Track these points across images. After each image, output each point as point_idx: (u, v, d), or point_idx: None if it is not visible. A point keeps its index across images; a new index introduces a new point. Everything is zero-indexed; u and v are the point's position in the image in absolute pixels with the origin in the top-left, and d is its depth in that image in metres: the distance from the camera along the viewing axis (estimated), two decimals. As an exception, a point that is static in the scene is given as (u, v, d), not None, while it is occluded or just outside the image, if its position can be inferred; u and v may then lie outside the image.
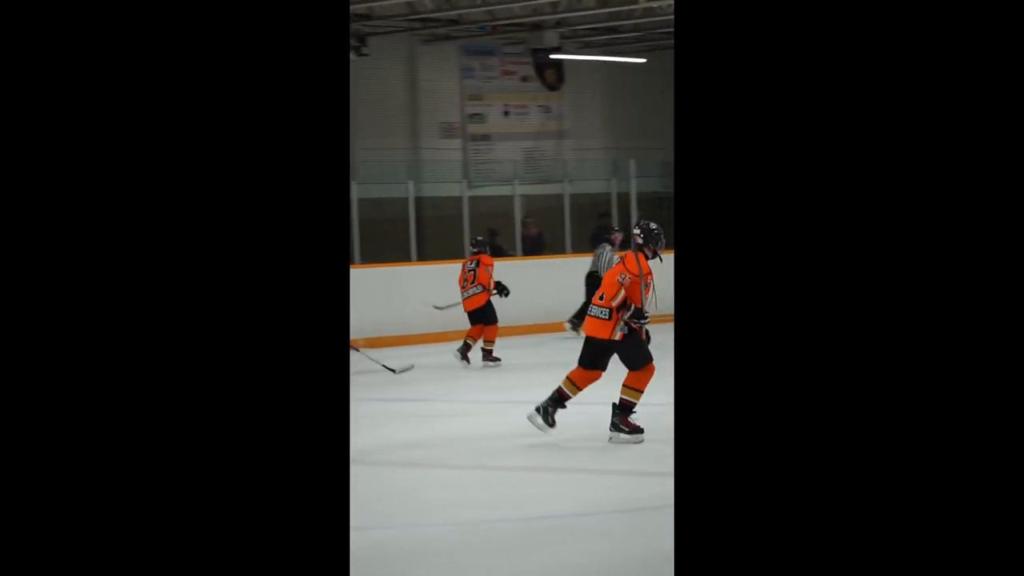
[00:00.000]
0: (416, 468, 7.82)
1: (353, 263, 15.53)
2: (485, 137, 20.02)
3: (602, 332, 8.06)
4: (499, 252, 16.76)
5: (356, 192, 16.15)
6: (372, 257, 16.29)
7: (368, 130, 17.90)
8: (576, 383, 8.15)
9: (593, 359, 8.16)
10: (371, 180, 16.91)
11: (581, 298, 15.20)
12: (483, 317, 12.78)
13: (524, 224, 17.86)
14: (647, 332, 8.08)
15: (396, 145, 18.78)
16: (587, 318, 8.26)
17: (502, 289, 12.86)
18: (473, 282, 12.84)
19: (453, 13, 17.81)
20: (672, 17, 18.78)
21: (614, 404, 8.10)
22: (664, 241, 8.15)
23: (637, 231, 8.28)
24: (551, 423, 8.12)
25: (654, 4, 17.41)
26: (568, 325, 15.39)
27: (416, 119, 19.35)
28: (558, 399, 8.14)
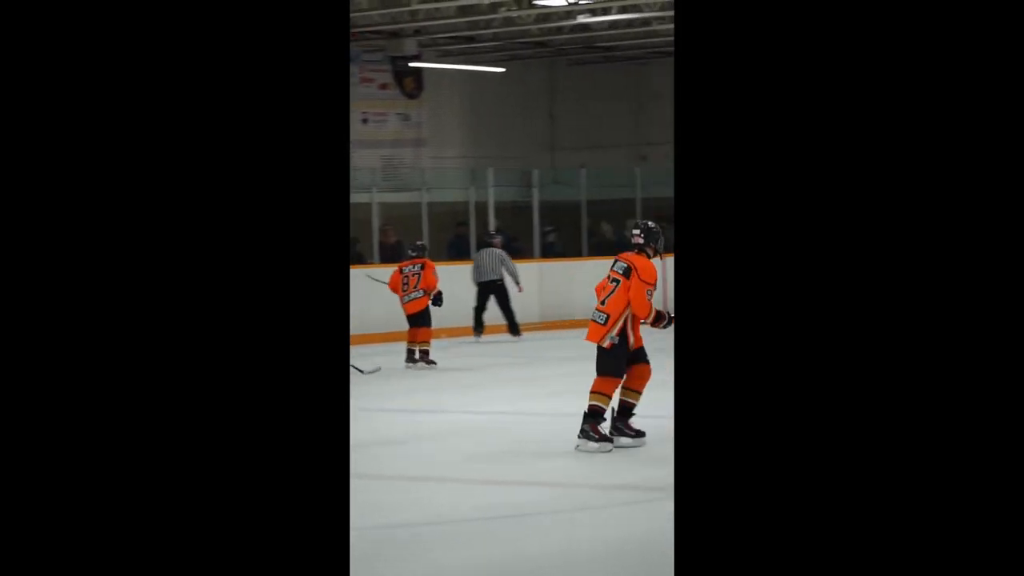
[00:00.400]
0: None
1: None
2: (343, 144, 19.89)
3: (595, 337, 7.89)
4: (360, 260, 16.73)
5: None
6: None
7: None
8: (604, 391, 7.91)
9: (608, 365, 7.94)
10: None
11: (467, 305, 15.49)
12: (423, 320, 13.08)
13: (382, 232, 17.82)
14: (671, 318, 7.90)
15: (253, 151, 18.53)
16: (590, 324, 7.97)
17: (439, 298, 13.15)
18: (416, 286, 13.10)
19: (312, 19, 17.66)
20: (532, 27, 18.93)
21: (613, 408, 7.97)
22: (664, 239, 8.05)
23: (636, 231, 8.07)
24: (609, 438, 7.92)
25: (513, 14, 17.51)
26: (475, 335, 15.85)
27: (273, 125, 19.13)
28: (601, 415, 7.90)
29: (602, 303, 7.89)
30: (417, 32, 18.76)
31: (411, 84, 20.63)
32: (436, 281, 13.15)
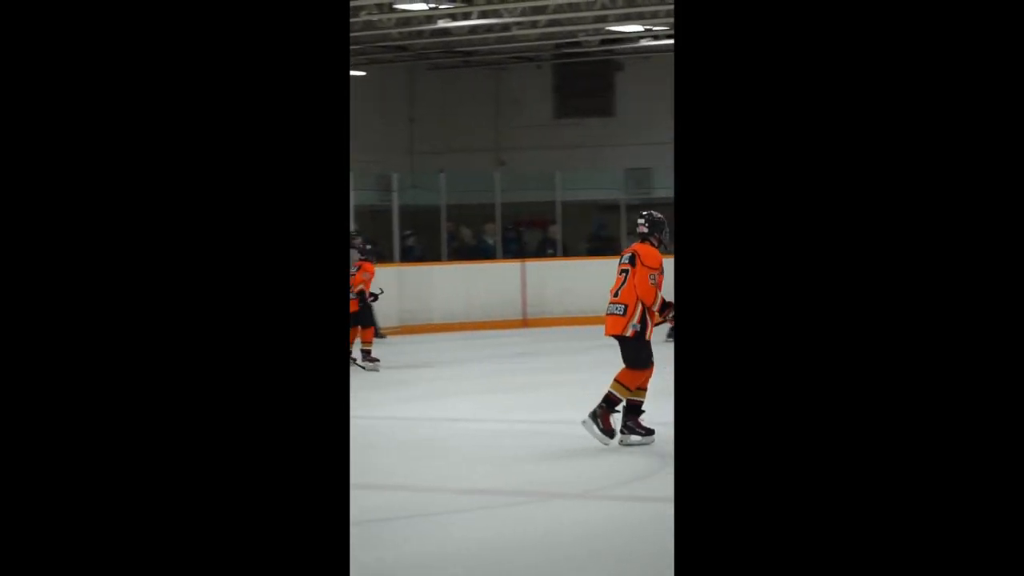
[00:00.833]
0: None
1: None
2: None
3: (617, 328, 7.88)
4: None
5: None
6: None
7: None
8: (627, 384, 7.90)
9: (635, 356, 7.92)
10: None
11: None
12: (357, 320, 13.21)
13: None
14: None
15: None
16: (607, 317, 7.98)
17: (363, 296, 13.28)
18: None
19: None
20: (392, 31, 18.89)
21: (623, 406, 7.93)
22: (668, 230, 8.00)
23: (641, 221, 8.11)
24: (612, 434, 7.89)
25: (374, 18, 17.47)
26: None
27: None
28: (616, 405, 7.92)
29: (615, 295, 7.93)
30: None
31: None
32: (362, 282, 13.27)
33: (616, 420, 7.90)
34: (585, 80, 22.40)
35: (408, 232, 19.12)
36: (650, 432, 7.92)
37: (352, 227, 17.79)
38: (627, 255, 7.99)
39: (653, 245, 8.00)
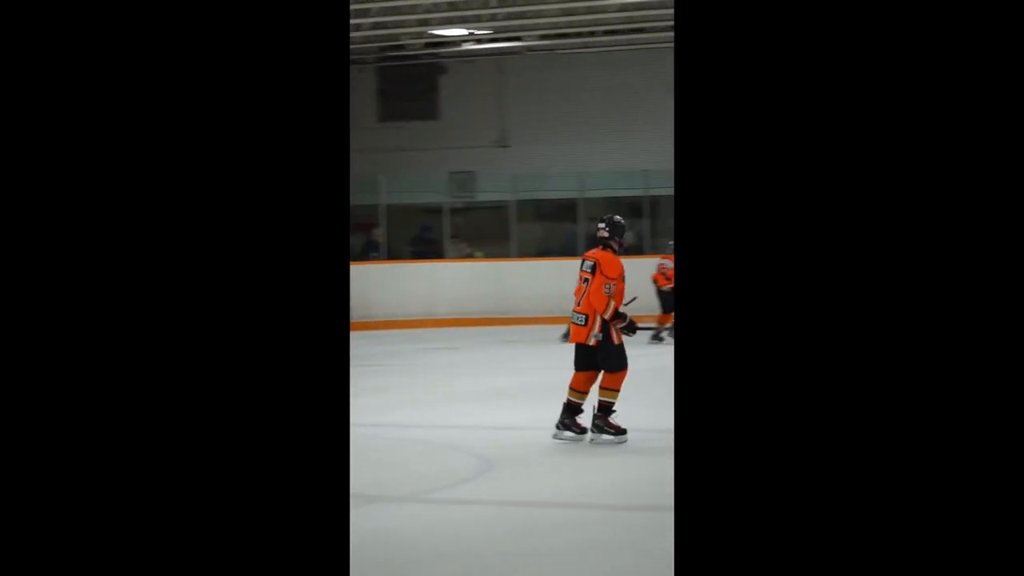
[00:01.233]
0: None
1: None
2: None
3: (580, 337, 7.93)
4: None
5: None
6: None
7: None
8: (579, 388, 7.99)
9: (585, 361, 7.99)
10: None
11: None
12: None
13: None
14: (632, 324, 7.97)
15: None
16: (570, 325, 8.05)
17: None
18: None
19: None
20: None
21: (594, 406, 7.94)
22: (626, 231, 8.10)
23: (602, 225, 8.05)
24: (579, 431, 7.96)
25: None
26: None
27: None
28: (572, 410, 7.98)
29: (578, 304, 7.95)
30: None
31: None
32: None
33: (614, 419, 7.94)
34: (409, 83, 22.38)
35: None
36: (621, 431, 7.92)
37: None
38: (589, 263, 7.96)
39: (614, 250, 7.99)
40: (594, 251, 8.05)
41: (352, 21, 18.57)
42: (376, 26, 19.27)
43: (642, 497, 6.54)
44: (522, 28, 19.75)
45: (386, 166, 20.60)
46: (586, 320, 7.88)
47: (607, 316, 7.82)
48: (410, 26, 19.34)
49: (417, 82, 22.38)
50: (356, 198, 19.96)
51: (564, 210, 20.27)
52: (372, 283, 18.97)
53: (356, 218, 20.21)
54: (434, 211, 20.45)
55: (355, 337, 17.43)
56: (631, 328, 7.95)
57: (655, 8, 18.25)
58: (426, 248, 20.13)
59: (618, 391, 7.91)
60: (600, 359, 7.92)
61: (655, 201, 19.93)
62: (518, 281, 19.52)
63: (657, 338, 15.07)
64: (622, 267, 7.96)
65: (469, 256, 20.48)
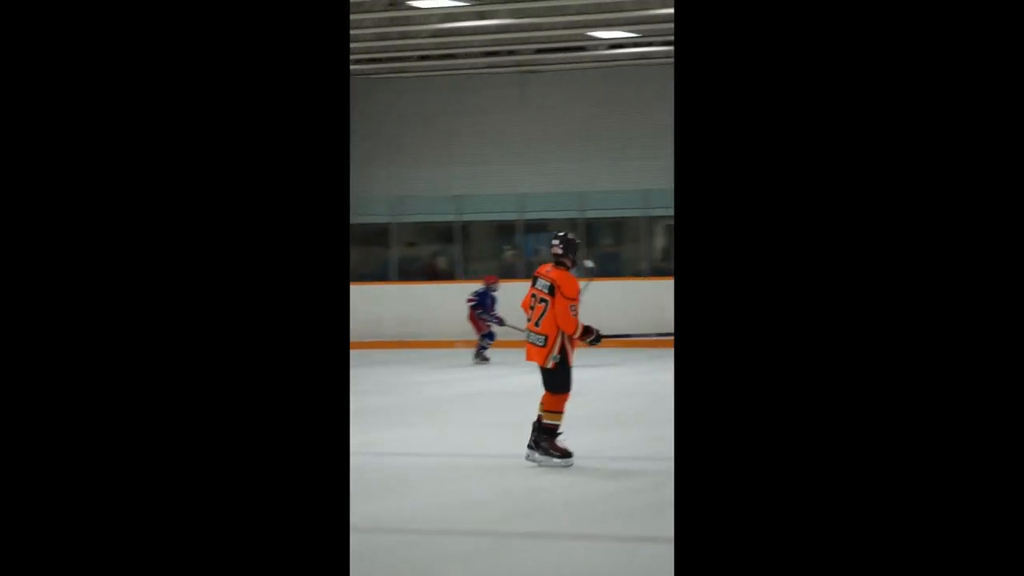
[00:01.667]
0: None
1: None
2: None
3: (539, 359, 7.78)
4: None
5: None
6: None
7: None
8: (557, 408, 7.84)
9: (556, 382, 7.84)
10: None
11: None
12: None
13: None
14: (599, 336, 7.91)
15: None
16: (527, 346, 7.86)
17: None
18: None
19: None
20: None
21: (533, 424, 7.84)
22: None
23: (556, 242, 7.91)
24: (569, 452, 7.80)
25: None
26: None
27: None
28: (556, 431, 7.81)
29: (536, 324, 7.80)
30: None
31: None
32: None
33: (562, 441, 7.86)
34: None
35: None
36: (567, 454, 7.83)
37: None
38: (544, 283, 7.82)
39: (568, 267, 7.90)
40: (547, 269, 7.92)
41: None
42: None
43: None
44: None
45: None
46: (545, 341, 7.77)
47: (577, 336, 7.78)
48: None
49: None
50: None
51: (378, 235, 20.23)
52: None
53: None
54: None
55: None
56: (598, 339, 7.94)
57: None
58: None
59: (561, 413, 7.85)
60: (546, 379, 7.86)
61: (467, 226, 20.04)
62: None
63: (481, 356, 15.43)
64: (579, 287, 7.92)
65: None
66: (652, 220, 19.28)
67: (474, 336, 15.88)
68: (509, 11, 17.05)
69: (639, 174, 19.20)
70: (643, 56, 19.10)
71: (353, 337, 19.35)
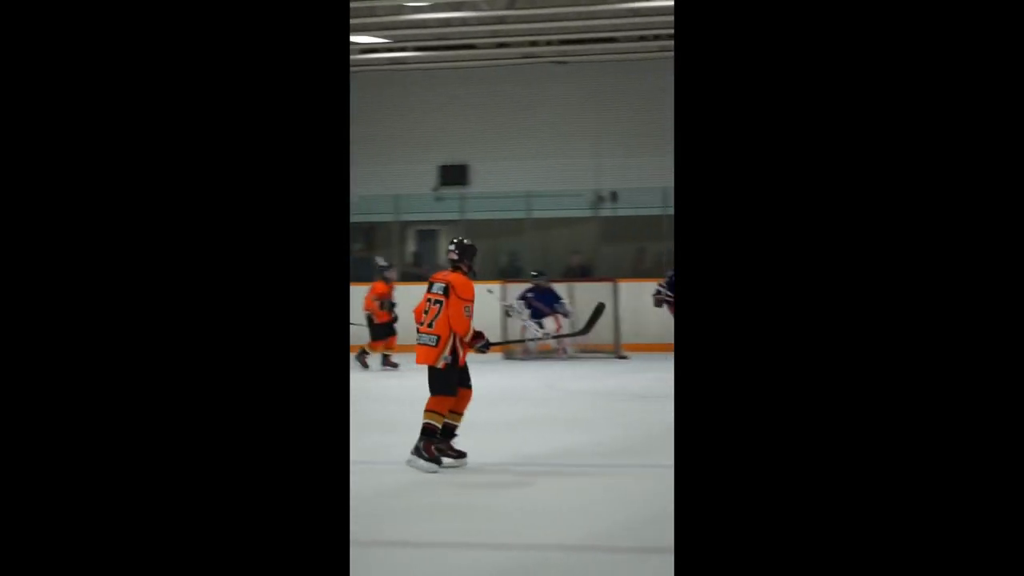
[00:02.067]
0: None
1: None
2: None
3: (430, 359, 7.78)
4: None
5: None
6: None
7: None
8: (439, 410, 7.81)
9: (442, 384, 7.84)
10: None
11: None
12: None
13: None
14: (487, 343, 7.94)
15: None
16: (417, 347, 7.86)
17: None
18: None
19: None
20: None
21: (431, 428, 7.82)
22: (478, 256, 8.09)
23: (452, 248, 7.99)
24: (438, 460, 7.77)
25: None
26: None
27: None
28: (435, 433, 7.77)
29: (428, 325, 7.82)
30: None
31: None
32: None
33: (456, 443, 7.91)
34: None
35: None
36: (462, 455, 7.88)
37: None
38: (440, 284, 7.87)
39: (464, 272, 7.91)
40: (445, 273, 8.00)
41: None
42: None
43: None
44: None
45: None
46: (437, 341, 7.76)
47: (468, 339, 7.80)
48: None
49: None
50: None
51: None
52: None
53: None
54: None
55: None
56: (487, 346, 7.95)
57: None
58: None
59: (444, 415, 7.81)
60: (432, 380, 7.84)
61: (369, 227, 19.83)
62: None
63: (361, 362, 15.40)
64: (474, 289, 7.92)
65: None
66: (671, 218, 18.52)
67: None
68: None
69: (660, 171, 18.33)
70: (661, 49, 18.27)
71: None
